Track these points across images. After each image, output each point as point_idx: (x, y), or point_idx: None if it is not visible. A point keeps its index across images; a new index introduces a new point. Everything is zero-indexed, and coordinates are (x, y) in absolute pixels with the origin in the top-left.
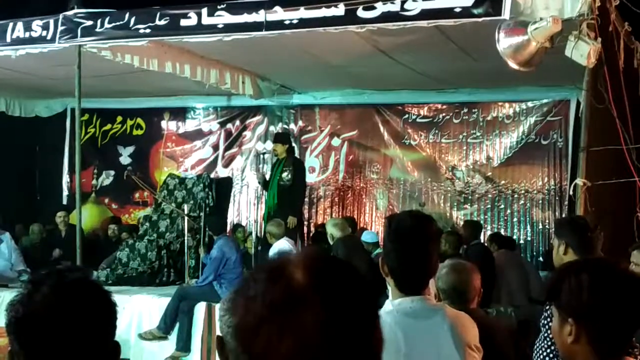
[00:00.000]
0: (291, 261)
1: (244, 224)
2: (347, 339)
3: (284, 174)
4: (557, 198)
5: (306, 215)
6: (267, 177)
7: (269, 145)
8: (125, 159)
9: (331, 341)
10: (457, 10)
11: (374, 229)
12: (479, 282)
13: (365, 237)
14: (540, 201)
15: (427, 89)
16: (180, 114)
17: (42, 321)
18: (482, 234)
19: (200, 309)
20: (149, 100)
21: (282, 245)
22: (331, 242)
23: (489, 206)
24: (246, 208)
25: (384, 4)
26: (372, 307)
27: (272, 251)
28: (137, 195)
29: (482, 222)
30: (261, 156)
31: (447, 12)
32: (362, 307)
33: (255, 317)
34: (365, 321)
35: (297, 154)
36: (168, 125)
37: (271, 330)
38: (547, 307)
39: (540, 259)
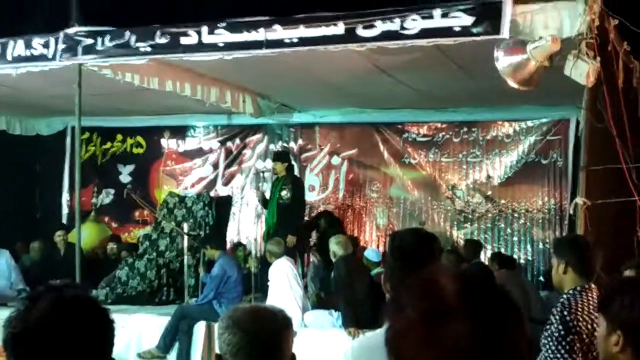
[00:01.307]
0: (444, 274)
1: (244, 242)
2: (494, 353)
3: (283, 192)
4: (557, 217)
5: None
6: (267, 195)
7: (269, 163)
8: (125, 177)
9: (478, 354)
10: (457, 29)
11: (374, 246)
12: None
13: (369, 254)
14: (541, 220)
15: (427, 108)
16: (180, 132)
17: (40, 337)
18: (482, 253)
19: (199, 328)
20: (149, 119)
21: (282, 264)
22: (333, 260)
23: (489, 225)
24: (246, 227)
25: (383, 22)
26: (521, 326)
27: (272, 270)
28: (137, 213)
29: (482, 241)
30: (261, 174)
31: (446, 31)
32: (511, 324)
33: (406, 324)
34: (514, 338)
35: (296, 172)
36: (168, 143)
37: (420, 338)
38: (547, 327)
39: (541, 278)
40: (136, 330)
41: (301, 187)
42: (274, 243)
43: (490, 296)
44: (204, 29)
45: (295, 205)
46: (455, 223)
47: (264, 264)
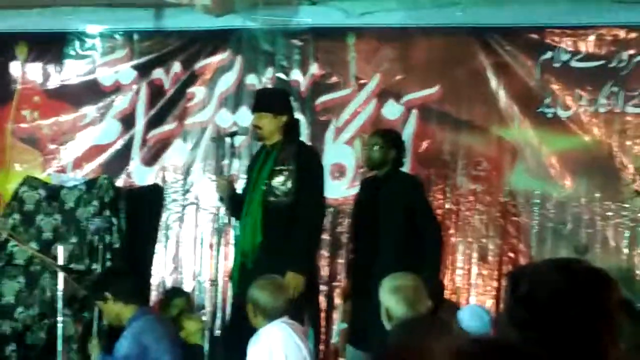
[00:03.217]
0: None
1: (187, 288)
2: None
3: (277, 180)
4: None
5: (325, 271)
6: (240, 186)
7: (245, 116)
8: None
9: None
10: None
11: (475, 301)
12: None
13: (467, 317)
14: None
15: None
16: (51, 47)
17: None
18: None
19: None
20: None
21: (274, 335)
22: (387, 326)
23: None
24: (194, 254)
25: None
26: None
27: (256, 349)
28: None
29: None
30: (227, 141)
31: None
32: None
33: None
34: None
35: (305, 137)
36: (24, 70)
37: None
38: None
39: None
40: None
41: (316, 169)
42: (264, 286)
43: None
44: None
45: (304, 207)
46: None
47: (237, 329)
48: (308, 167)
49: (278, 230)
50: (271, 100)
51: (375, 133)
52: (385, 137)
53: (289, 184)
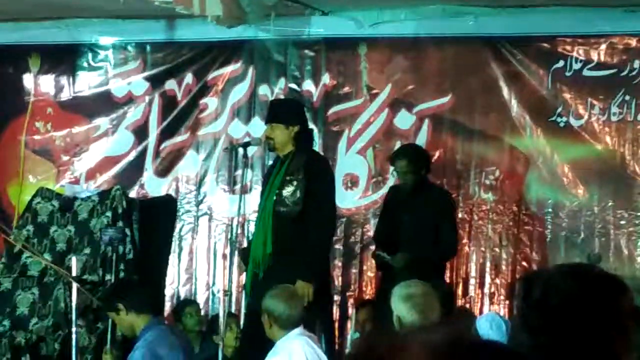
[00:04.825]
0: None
1: (200, 299)
2: None
3: (287, 190)
4: None
5: (338, 281)
6: (257, 200)
7: (257, 126)
8: None
9: None
10: None
11: (487, 310)
12: None
13: (484, 326)
14: None
15: (607, 6)
16: (64, 59)
17: None
18: None
19: None
20: None
21: (294, 347)
22: None
23: None
24: (207, 264)
25: None
26: None
27: (275, 356)
28: None
29: None
30: (240, 151)
31: None
32: None
33: None
34: None
35: (317, 146)
36: (37, 82)
37: None
38: None
39: None
40: None
41: (327, 178)
42: (277, 296)
43: None
44: None
45: (313, 217)
46: None
47: (250, 342)
48: (317, 176)
49: (288, 239)
50: (283, 112)
51: (404, 156)
52: (413, 160)
53: (298, 194)
